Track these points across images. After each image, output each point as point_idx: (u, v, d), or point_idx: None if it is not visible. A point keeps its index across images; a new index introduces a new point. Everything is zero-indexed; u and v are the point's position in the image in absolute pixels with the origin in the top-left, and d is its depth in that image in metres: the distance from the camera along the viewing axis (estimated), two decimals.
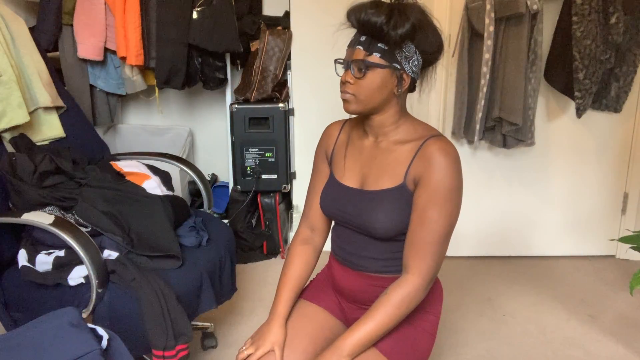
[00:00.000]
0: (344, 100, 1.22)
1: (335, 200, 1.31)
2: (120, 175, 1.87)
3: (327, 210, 1.34)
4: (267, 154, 2.68)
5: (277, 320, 1.29)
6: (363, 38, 1.17)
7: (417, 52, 1.19)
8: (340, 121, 1.41)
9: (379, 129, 1.26)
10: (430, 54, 1.21)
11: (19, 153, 1.74)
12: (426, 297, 1.30)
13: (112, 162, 1.93)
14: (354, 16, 1.17)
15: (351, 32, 1.22)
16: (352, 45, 1.20)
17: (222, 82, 2.65)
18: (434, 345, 1.36)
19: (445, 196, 1.17)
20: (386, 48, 1.16)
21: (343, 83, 1.21)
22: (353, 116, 1.32)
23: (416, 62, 1.20)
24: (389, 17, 1.12)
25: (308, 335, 1.29)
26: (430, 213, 1.17)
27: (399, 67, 1.18)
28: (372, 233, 1.24)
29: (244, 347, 1.27)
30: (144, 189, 1.78)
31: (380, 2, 1.16)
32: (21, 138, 1.81)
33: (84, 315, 1.44)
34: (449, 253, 2.87)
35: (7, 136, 1.77)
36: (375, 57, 1.16)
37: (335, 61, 1.25)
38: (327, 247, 1.41)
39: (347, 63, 1.20)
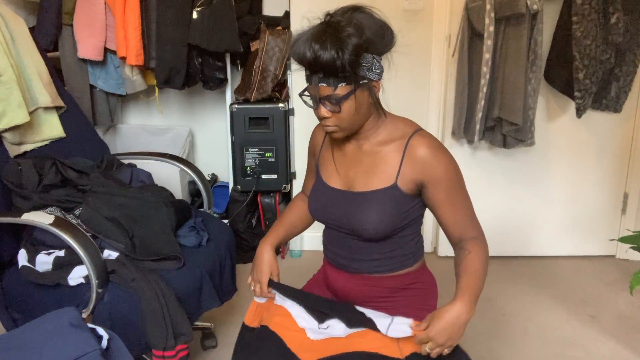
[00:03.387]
0: (329, 132, 1.22)
1: (325, 205, 1.31)
2: (124, 183, 1.87)
3: (316, 215, 1.35)
4: (267, 154, 2.68)
5: (264, 247, 1.37)
6: (320, 74, 1.13)
7: (375, 56, 1.15)
8: None
9: (360, 134, 1.26)
10: (386, 47, 1.17)
11: (24, 160, 1.75)
12: (420, 293, 1.33)
13: None
14: (301, 59, 1.12)
15: None
16: (312, 82, 1.15)
17: (222, 82, 2.64)
18: None
19: (457, 182, 1.24)
20: (346, 74, 1.11)
21: (321, 118, 1.19)
22: None
23: (377, 64, 1.16)
24: (337, 50, 1.07)
25: None
26: (456, 199, 1.23)
27: (365, 81, 1.15)
28: (362, 234, 1.24)
29: (251, 288, 1.36)
30: (149, 194, 1.78)
31: (319, 34, 1.09)
32: None
33: (84, 315, 1.44)
34: (448, 253, 2.86)
35: (8, 136, 1.78)
36: (342, 88, 1.13)
37: (301, 95, 1.20)
38: (320, 248, 1.42)
39: (316, 100, 1.16)
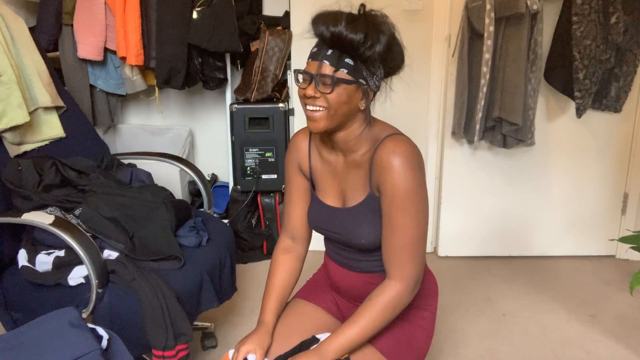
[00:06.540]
0: (312, 118, 1.17)
1: (322, 220, 1.31)
2: (124, 183, 1.87)
3: (316, 229, 1.35)
4: (267, 154, 2.68)
5: (263, 327, 1.28)
6: (330, 52, 1.11)
7: (382, 67, 1.16)
8: (306, 131, 1.36)
9: (344, 144, 1.23)
10: (394, 69, 1.19)
11: (24, 160, 1.74)
12: (420, 294, 1.31)
13: None
14: (325, 29, 1.09)
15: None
16: (316, 58, 1.13)
17: (222, 82, 2.65)
18: (431, 342, 1.36)
19: (405, 199, 1.14)
20: (353, 64, 1.11)
21: (307, 97, 1.15)
22: None
23: (379, 77, 1.16)
24: (366, 36, 1.07)
25: (304, 333, 1.29)
26: (396, 219, 1.16)
27: (364, 82, 1.14)
28: (360, 247, 1.25)
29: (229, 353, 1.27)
30: (149, 194, 1.78)
31: (353, 16, 1.10)
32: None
33: (84, 315, 1.44)
34: (449, 253, 2.86)
35: (8, 136, 1.78)
36: (343, 73, 1.11)
37: (296, 72, 1.18)
38: (321, 246, 1.41)
39: (312, 77, 1.14)
